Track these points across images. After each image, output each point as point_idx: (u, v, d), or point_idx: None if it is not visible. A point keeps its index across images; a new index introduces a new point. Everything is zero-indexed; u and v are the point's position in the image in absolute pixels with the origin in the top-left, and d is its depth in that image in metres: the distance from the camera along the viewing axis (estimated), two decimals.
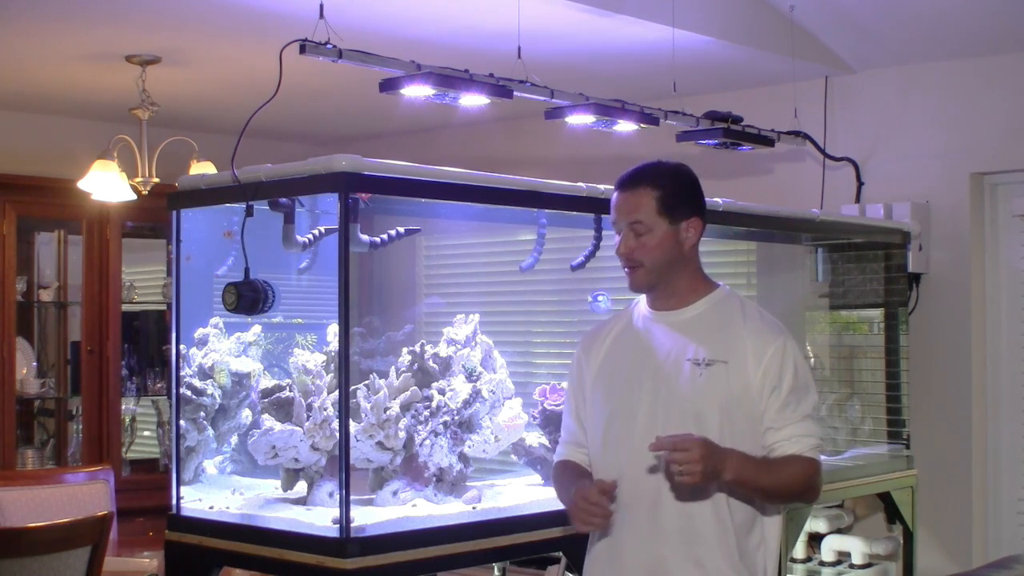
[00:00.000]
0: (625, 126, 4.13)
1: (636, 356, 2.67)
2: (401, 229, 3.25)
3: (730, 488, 2.55)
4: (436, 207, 3.30)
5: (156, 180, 5.04)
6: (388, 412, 3.14)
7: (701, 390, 2.57)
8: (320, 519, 2.94)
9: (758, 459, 2.56)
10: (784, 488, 2.59)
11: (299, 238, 3.13)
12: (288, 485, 3.27)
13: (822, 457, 2.64)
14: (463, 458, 3.24)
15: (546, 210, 3.40)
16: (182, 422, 3.32)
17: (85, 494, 4.66)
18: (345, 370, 2.85)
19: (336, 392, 3.00)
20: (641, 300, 2.75)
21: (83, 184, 4.92)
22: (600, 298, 3.69)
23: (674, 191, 2.62)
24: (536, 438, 3.50)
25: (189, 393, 3.33)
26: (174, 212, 3.27)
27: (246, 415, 3.45)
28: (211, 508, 3.18)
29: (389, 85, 3.54)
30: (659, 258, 2.61)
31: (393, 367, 3.34)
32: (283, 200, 3.05)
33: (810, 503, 3.15)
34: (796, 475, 2.58)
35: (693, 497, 2.56)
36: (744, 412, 2.58)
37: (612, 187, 3.43)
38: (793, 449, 2.57)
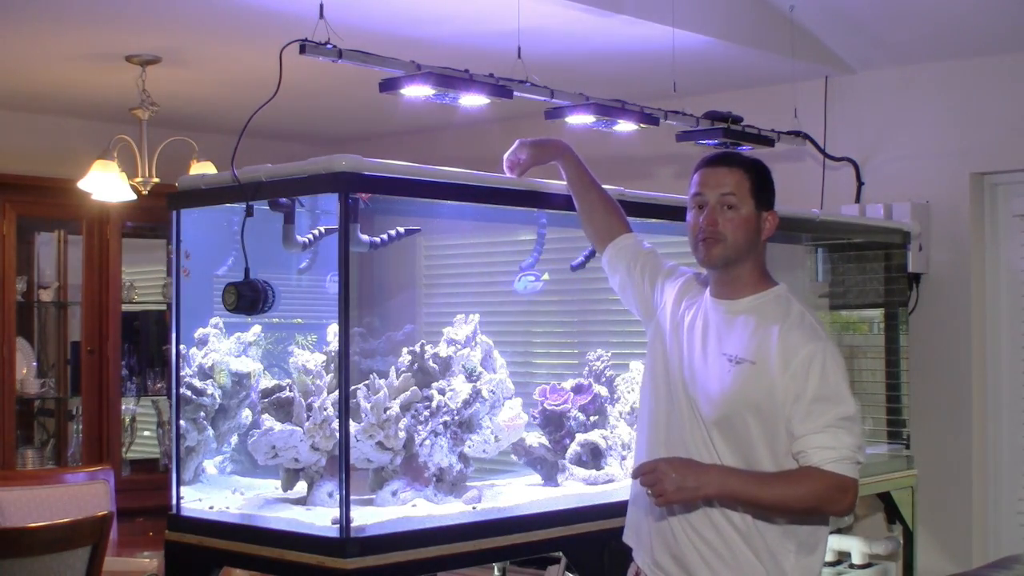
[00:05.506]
0: (625, 126, 4.13)
1: (686, 337, 2.69)
2: (401, 229, 3.24)
3: (722, 502, 2.54)
4: (436, 207, 3.30)
5: (156, 180, 5.04)
6: (388, 412, 3.14)
7: (727, 387, 2.56)
8: (320, 519, 2.94)
9: (752, 473, 2.52)
10: (790, 503, 2.52)
11: (299, 238, 3.12)
12: (288, 485, 3.27)
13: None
14: (463, 458, 3.23)
15: (546, 210, 3.40)
16: (182, 422, 3.31)
17: (85, 494, 4.65)
18: (345, 370, 2.85)
19: (336, 392, 3.00)
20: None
21: (83, 184, 4.93)
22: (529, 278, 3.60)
23: (763, 179, 2.69)
24: (536, 438, 3.50)
25: (189, 393, 3.32)
26: (174, 212, 3.26)
27: (246, 415, 3.45)
28: (211, 508, 3.17)
29: (389, 85, 3.53)
30: (741, 237, 2.64)
31: (393, 367, 3.34)
32: (283, 200, 3.04)
33: (838, 516, 3.09)
34: (806, 489, 2.50)
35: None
36: (765, 416, 2.54)
37: (613, 187, 3.42)
38: (813, 460, 2.49)
